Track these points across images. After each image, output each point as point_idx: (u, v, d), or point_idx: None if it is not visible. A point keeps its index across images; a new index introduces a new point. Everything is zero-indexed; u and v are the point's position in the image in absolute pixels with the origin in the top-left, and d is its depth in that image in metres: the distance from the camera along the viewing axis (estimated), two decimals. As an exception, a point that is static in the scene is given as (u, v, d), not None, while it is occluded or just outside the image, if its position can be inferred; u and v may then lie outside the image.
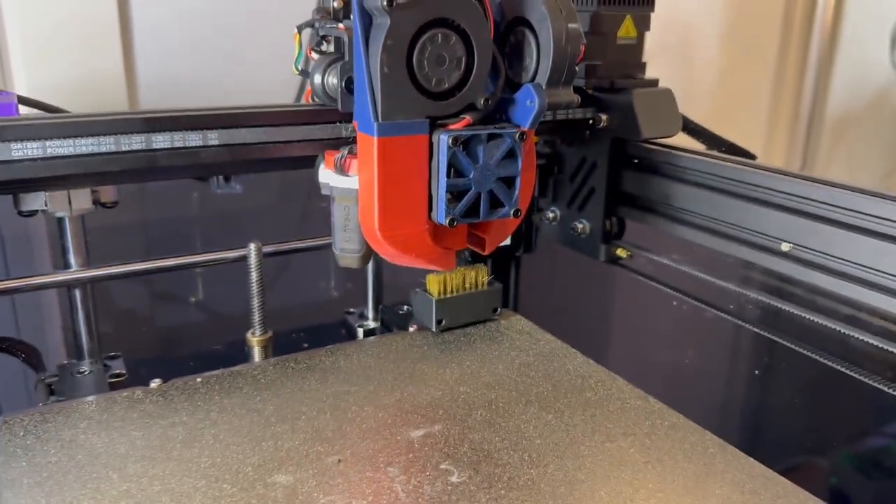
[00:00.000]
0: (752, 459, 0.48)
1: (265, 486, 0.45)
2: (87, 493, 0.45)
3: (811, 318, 0.57)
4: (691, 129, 0.81)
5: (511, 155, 0.54)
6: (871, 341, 0.52)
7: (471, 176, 0.53)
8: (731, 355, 0.99)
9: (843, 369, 0.55)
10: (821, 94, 1.43)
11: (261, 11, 0.94)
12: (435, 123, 0.52)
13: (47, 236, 0.88)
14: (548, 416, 0.53)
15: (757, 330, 0.62)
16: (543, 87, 0.53)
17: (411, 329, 0.68)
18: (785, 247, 0.57)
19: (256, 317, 0.72)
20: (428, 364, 0.61)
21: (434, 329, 0.66)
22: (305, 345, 0.87)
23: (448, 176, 0.52)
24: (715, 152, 0.67)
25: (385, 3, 0.47)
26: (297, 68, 0.60)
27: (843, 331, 0.54)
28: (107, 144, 0.54)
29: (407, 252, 0.55)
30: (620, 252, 0.73)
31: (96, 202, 0.65)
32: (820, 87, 1.42)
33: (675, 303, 0.77)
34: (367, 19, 0.48)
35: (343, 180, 0.56)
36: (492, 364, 0.61)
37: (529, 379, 0.58)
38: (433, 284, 0.66)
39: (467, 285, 0.67)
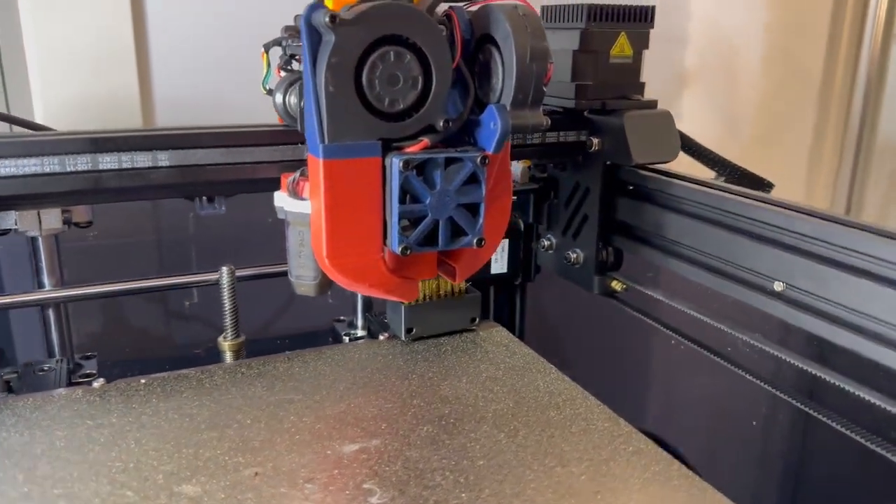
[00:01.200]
0: (720, 494, 0.42)
1: (170, 497, 0.42)
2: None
3: (807, 369, 0.50)
4: (706, 157, 0.74)
5: (473, 180, 0.49)
6: (867, 397, 0.45)
7: (427, 202, 0.48)
8: (763, 397, 0.91)
9: (840, 427, 0.48)
10: (870, 116, 1.34)
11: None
12: (390, 146, 0.48)
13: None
14: (500, 434, 0.48)
15: (753, 379, 0.55)
16: (508, 108, 0.48)
17: (381, 337, 0.64)
18: (777, 286, 0.51)
19: (228, 321, 0.69)
20: (387, 374, 0.56)
21: (403, 337, 0.62)
22: (286, 352, 0.84)
23: (403, 201, 0.48)
24: (714, 181, 0.60)
25: (328, 19, 0.43)
26: (264, 87, 0.58)
27: (838, 383, 0.47)
28: (51, 165, 0.52)
29: (359, 281, 0.51)
30: (616, 285, 0.67)
31: (68, 222, 0.63)
32: (869, 109, 1.33)
33: (678, 344, 0.70)
34: (315, 36, 0.45)
35: (296, 204, 0.52)
36: (455, 377, 0.56)
37: (492, 394, 0.53)
38: (404, 290, 0.62)
39: (442, 292, 0.62)
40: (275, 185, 0.56)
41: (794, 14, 1.27)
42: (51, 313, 0.68)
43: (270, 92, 0.57)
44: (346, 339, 0.76)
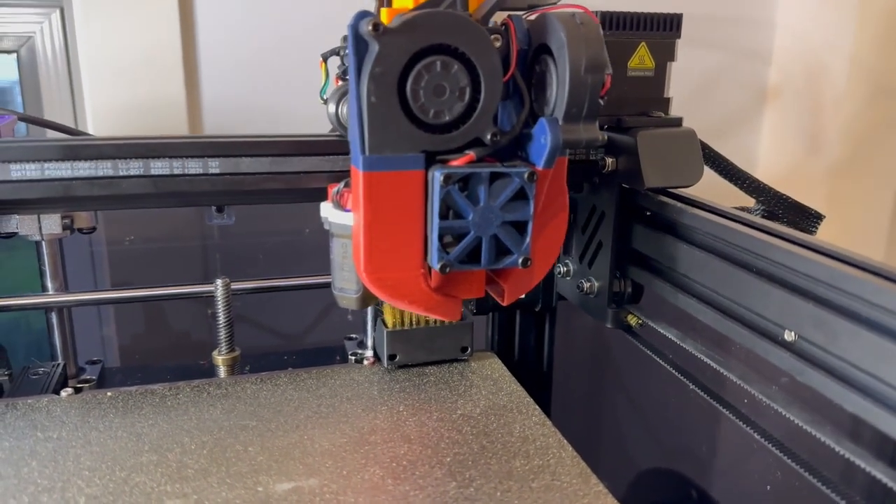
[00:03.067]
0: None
1: (78, 525, 0.39)
2: None
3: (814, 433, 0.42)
4: (746, 182, 0.66)
5: (521, 196, 0.46)
6: (880, 476, 0.38)
7: (469, 218, 0.45)
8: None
9: None
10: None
11: (331, 41, 0.91)
12: (434, 159, 0.45)
13: (107, 255, 0.89)
14: (450, 483, 0.43)
15: (762, 440, 0.48)
16: (560, 121, 0.45)
17: (366, 362, 0.60)
18: (788, 336, 0.43)
19: (222, 335, 0.67)
20: (355, 404, 0.53)
21: (386, 364, 0.58)
22: (290, 368, 0.82)
23: (444, 217, 0.45)
24: (737, 210, 0.53)
25: (370, 27, 0.41)
26: (323, 98, 0.56)
27: (847, 455, 0.40)
28: (31, 171, 0.52)
29: (397, 298, 0.48)
30: (631, 319, 0.61)
31: (69, 227, 0.63)
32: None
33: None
34: (362, 45, 0.42)
35: (340, 215, 0.50)
36: (427, 412, 0.52)
37: (460, 436, 0.49)
38: (388, 314, 0.58)
39: (430, 318, 0.58)
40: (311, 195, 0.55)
41: (884, 27, 1.16)
42: (54, 317, 0.68)
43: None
44: (353, 358, 0.73)
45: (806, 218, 0.66)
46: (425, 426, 0.50)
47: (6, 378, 0.65)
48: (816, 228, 0.67)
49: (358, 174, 0.44)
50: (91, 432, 0.49)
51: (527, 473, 0.44)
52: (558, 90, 0.45)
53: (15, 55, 0.91)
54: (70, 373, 0.69)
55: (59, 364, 0.67)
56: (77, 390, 0.56)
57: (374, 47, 0.41)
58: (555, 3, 0.53)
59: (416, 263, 0.47)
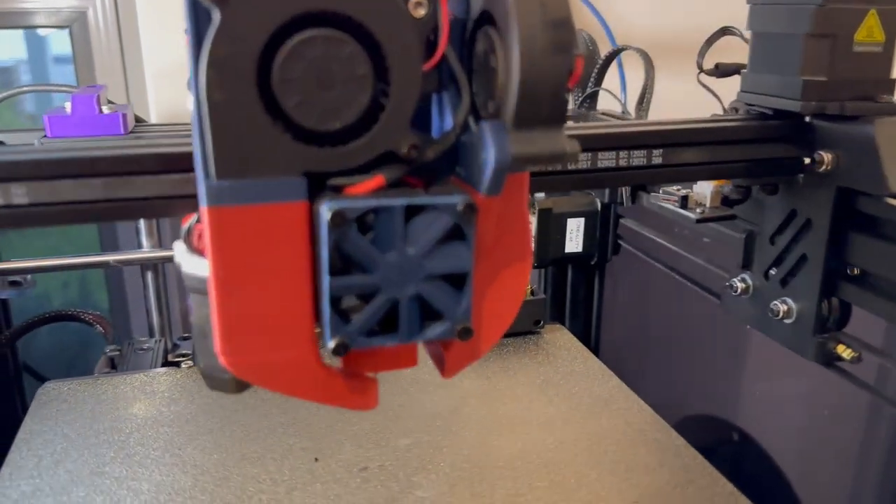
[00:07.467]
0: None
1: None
2: (87, 464, 0.48)
3: None
4: None
5: (455, 238, 0.29)
6: None
7: (377, 272, 0.28)
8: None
9: None
10: None
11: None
12: (323, 184, 0.29)
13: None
14: (548, 439, 0.50)
15: None
16: (508, 127, 0.28)
17: (448, 335, 0.66)
18: None
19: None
20: (448, 372, 0.59)
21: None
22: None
23: (342, 271, 0.28)
24: None
25: None
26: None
27: None
28: None
29: (280, 387, 0.30)
30: (841, 350, 0.50)
31: None
32: None
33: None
34: (203, 17, 0.27)
35: (194, 262, 0.31)
36: (513, 378, 0.58)
37: (546, 397, 0.55)
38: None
39: (507, 294, 0.64)
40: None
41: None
42: (149, 275, 0.74)
43: None
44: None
45: None
46: (514, 390, 0.56)
47: (118, 353, 0.72)
48: None
49: (204, 210, 0.28)
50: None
51: (609, 430, 0.51)
52: (506, 79, 0.29)
53: (68, 30, 0.96)
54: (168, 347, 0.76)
55: (159, 340, 0.74)
56: (177, 364, 0.63)
57: (216, 18, 0.26)
58: None
59: (305, 337, 0.29)
